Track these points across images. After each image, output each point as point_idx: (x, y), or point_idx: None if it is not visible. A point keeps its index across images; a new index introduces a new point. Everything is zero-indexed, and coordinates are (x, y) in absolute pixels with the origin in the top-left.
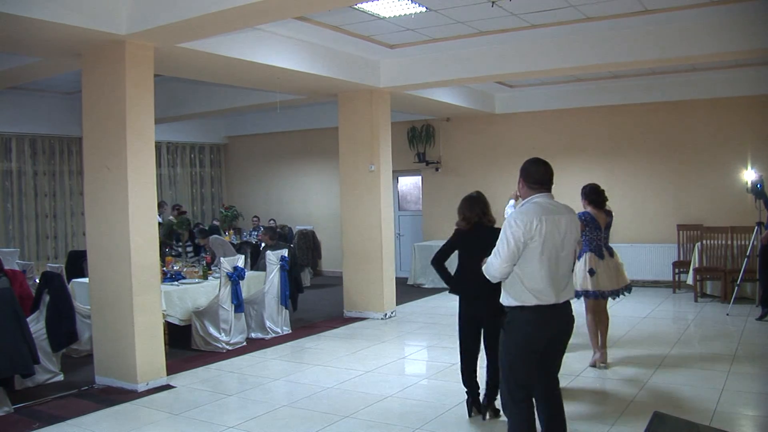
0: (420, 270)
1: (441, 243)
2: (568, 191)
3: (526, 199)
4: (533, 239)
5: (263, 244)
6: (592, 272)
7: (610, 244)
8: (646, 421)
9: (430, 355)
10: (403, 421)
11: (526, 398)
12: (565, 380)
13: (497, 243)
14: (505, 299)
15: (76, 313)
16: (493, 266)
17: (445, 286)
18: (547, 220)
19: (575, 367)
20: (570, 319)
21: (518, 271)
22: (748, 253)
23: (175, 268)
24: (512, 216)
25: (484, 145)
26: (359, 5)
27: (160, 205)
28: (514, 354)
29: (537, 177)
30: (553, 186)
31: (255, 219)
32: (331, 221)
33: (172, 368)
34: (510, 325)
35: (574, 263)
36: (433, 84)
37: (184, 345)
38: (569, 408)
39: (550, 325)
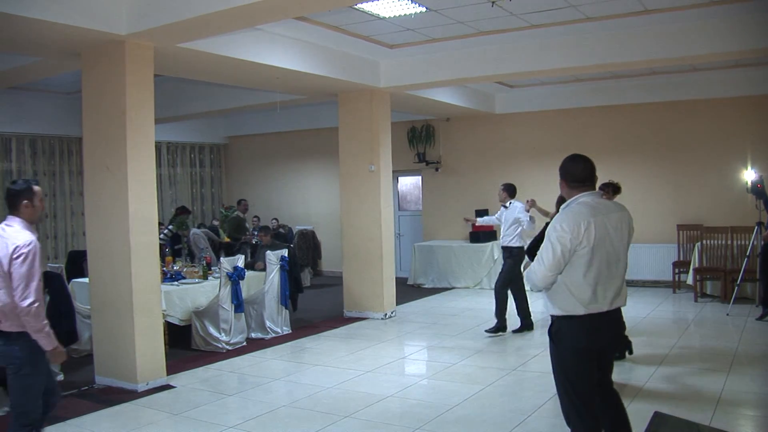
0: (420, 270)
1: (441, 243)
2: None
3: (570, 200)
4: (582, 245)
5: (260, 243)
6: None
7: None
8: (646, 421)
9: (430, 355)
10: (403, 421)
11: (590, 409)
12: None
13: (541, 248)
14: (551, 308)
15: (76, 313)
16: (536, 274)
17: (445, 286)
18: (596, 223)
19: None
20: (621, 326)
21: (565, 279)
22: (748, 253)
23: (175, 268)
24: (558, 219)
25: (484, 145)
26: (359, 5)
27: (239, 203)
28: (569, 365)
29: (578, 175)
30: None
31: (255, 219)
32: (331, 221)
33: (172, 368)
34: (558, 335)
35: (626, 266)
36: (433, 84)
37: (184, 345)
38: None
39: (601, 334)
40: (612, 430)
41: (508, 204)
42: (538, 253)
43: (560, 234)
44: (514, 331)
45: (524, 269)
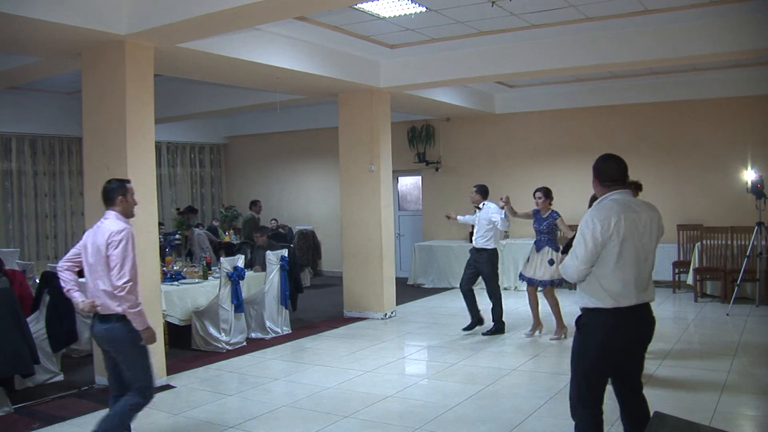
0: (420, 270)
1: (441, 243)
2: (567, 191)
3: (602, 197)
4: (612, 238)
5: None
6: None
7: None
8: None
9: (430, 355)
10: (403, 421)
11: (596, 403)
12: (566, 379)
13: (574, 243)
14: (581, 300)
15: (76, 313)
16: (570, 268)
17: (445, 286)
18: (626, 218)
19: None
20: (650, 322)
21: (596, 272)
22: (748, 253)
23: (175, 268)
24: (590, 214)
25: (484, 145)
26: (359, 5)
27: (254, 204)
28: (590, 358)
29: (611, 174)
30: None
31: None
32: (331, 221)
33: (172, 368)
34: (586, 327)
35: (653, 264)
36: (433, 84)
37: (184, 345)
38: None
39: (628, 329)
40: None
41: (481, 205)
42: (573, 247)
43: (592, 228)
44: (485, 334)
45: (560, 265)
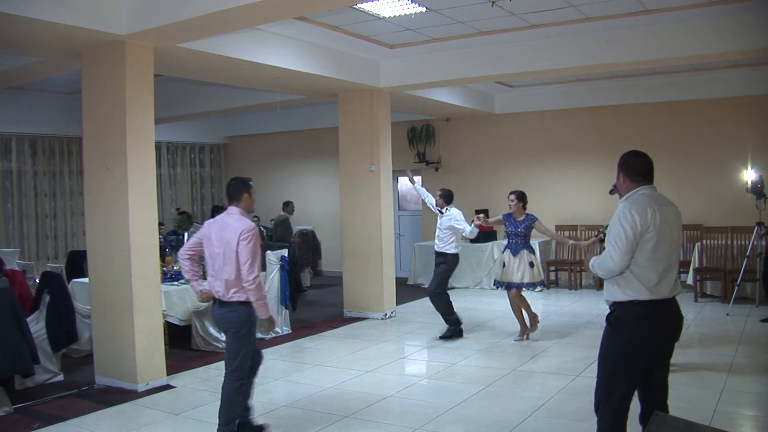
0: (420, 270)
1: None
2: (567, 191)
3: (631, 192)
4: (649, 230)
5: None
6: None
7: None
8: None
9: (430, 355)
10: (403, 421)
11: (623, 401)
12: (566, 379)
13: (611, 237)
14: (615, 293)
15: (76, 313)
16: (612, 260)
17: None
18: (660, 211)
19: (578, 366)
20: (680, 316)
21: (631, 264)
22: (748, 253)
23: (175, 268)
24: (625, 207)
25: (484, 145)
26: (359, 5)
27: (287, 205)
28: (621, 351)
29: (640, 169)
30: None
31: (255, 219)
32: (331, 221)
33: (172, 368)
34: (619, 320)
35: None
36: (433, 84)
37: (184, 345)
38: (570, 408)
39: (661, 322)
40: None
41: (444, 210)
42: (610, 240)
43: (630, 219)
44: (441, 338)
45: (591, 265)
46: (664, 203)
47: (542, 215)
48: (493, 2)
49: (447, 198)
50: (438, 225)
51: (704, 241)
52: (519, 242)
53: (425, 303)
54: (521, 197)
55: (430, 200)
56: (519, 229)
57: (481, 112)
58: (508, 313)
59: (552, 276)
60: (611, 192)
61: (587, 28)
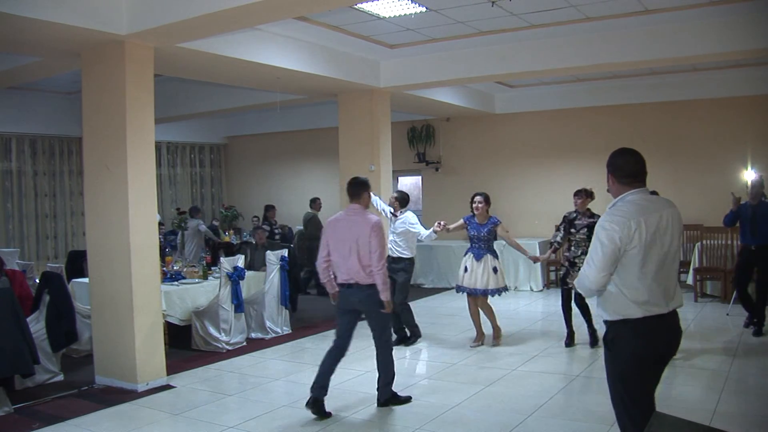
0: (420, 270)
1: (441, 243)
2: (567, 191)
3: (617, 198)
4: (632, 244)
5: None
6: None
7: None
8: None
9: (430, 355)
10: (403, 421)
11: (646, 417)
12: (566, 379)
13: (590, 250)
14: (606, 312)
15: (76, 313)
16: (588, 278)
17: (445, 286)
18: (646, 222)
19: (577, 366)
20: (678, 331)
21: (617, 282)
22: None
23: (175, 268)
24: (605, 218)
25: (484, 145)
26: (359, 5)
27: (314, 201)
28: (626, 373)
29: (628, 169)
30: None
31: (255, 219)
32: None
33: (172, 368)
34: (614, 343)
35: (679, 265)
36: (433, 84)
37: (184, 345)
38: (570, 408)
39: (659, 338)
40: None
41: (399, 213)
42: (588, 255)
43: (609, 232)
44: (406, 345)
45: (576, 282)
46: (655, 208)
47: (542, 215)
48: (493, 2)
49: (402, 201)
50: (391, 230)
51: (704, 241)
52: (482, 247)
53: (425, 303)
54: (488, 199)
55: (382, 206)
56: (482, 233)
57: (481, 112)
58: (506, 313)
59: (552, 276)
60: (609, 190)
61: (587, 28)
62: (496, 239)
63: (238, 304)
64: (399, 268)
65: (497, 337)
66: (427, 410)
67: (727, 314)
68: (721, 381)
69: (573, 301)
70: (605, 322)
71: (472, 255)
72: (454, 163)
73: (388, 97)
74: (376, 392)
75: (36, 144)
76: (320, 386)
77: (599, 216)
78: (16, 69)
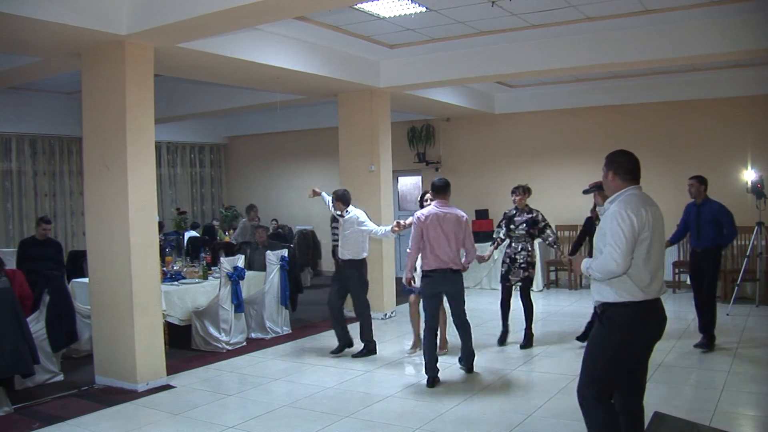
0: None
1: None
2: (567, 191)
3: (618, 193)
4: (645, 229)
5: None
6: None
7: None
8: (646, 420)
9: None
10: (403, 421)
11: (609, 399)
12: (566, 379)
13: (609, 238)
14: (607, 294)
15: (76, 313)
16: (615, 261)
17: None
18: (651, 211)
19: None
20: (665, 317)
21: None
22: (748, 253)
23: (175, 268)
24: (620, 207)
25: (484, 145)
26: (359, 5)
27: (251, 209)
28: (613, 351)
29: (630, 167)
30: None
31: (255, 219)
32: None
33: (172, 368)
34: (611, 321)
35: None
36: (433, 84)
37: (184, 345)
38: (570, 408)
39: (652, 322)
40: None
41: (344, 214)
42: (610, 241)
43: (627, 220)
44: (354, 356)
45: (584, 268)
46: (652, 204)
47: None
48: (493, 2)
49: (343, 200)
50: (341, 230)
51: None
52: None
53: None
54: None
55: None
56: None
57: (481, 112)
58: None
59: (552, 276)
60: (586, 192)
61: (587, 28)
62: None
63: (238, 304)
64: (350, 274)
65: (443, 346)
66: (427, 410)
67: (727, 314)
68: (721, 381)
69: (521, 300)
70: (603, 304)
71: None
72: (454, 163)
73: (388, 97)
74: (461, 364)
75: (36, 144)
76: (433, 366)
77: (537, 211)
78: (16, 69)
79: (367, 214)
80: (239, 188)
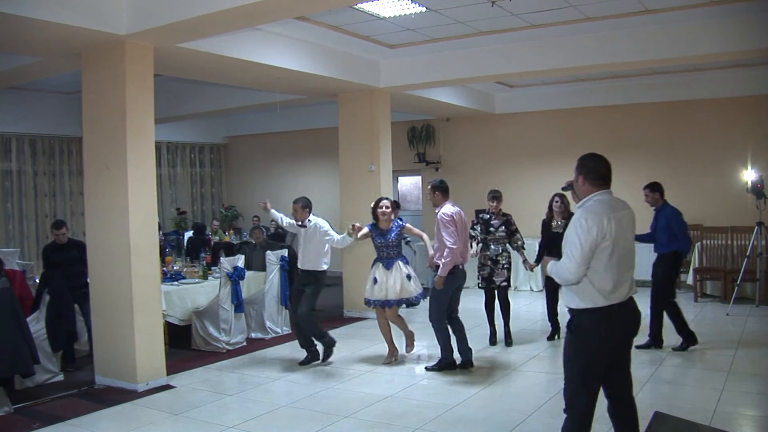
0: (420, 270)
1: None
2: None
3: (586, 197)
4: (605, 238)
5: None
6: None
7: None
8: (646, 420)
9: (431, 355)
10: (403, 421)
11: (590, 403)
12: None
13: (567, 246)
14: (573, 300)
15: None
16: (568, 270)
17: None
18: (614, 218)
19: None
20: (638, 312)
21: (587, 272)
22: (748, 253)
23: (175, 268)
24: (581, 216)
25: (484, 145)
26: (359, 5)
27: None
28: (585, 357)
29: (600, 172)
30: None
31: (255, 219)
32: (331, 221)
33: (172, 368)
34: (579, 328)
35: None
36: (433, 84)
37: (184, 345)
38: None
39: (621, 324)
40: (621, 428)
41: (307, 223)
42: (566, 250)
43: (585, 229)
44: (301, 363)
45: (549, 270)
46: (619, 208)
47: (542, 215)
48: (493, 2)
49: (309, 207)
50: (302, 240)
51: (704, 241)
52: (391, 254)
53: (425, 303)
54: (397, 204)
55: (288, 221)
56: (390, 240)
57: (481, 112)
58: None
59: None
60: (564, 189)
61: (587, 28)
62: (405, 242)
63: (238, 304)
64: (308, 282)
65: (411, 343)
66: (427, 410)
67: (727, 314)
68: (721, 381)
69: (499, 300)
70: (571, 309)
71: (381, 265)
72: (454, 163)
73: (388, 97)
74: (461, 355)
75: (36, 144)
76: (465, 349)
77: (509, 215)
78: (16, 69)
79: (330, 224)
80: (239, 188)
